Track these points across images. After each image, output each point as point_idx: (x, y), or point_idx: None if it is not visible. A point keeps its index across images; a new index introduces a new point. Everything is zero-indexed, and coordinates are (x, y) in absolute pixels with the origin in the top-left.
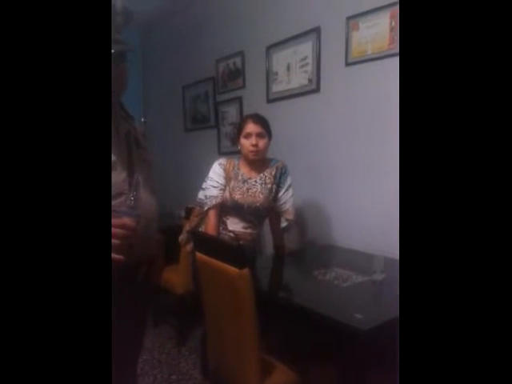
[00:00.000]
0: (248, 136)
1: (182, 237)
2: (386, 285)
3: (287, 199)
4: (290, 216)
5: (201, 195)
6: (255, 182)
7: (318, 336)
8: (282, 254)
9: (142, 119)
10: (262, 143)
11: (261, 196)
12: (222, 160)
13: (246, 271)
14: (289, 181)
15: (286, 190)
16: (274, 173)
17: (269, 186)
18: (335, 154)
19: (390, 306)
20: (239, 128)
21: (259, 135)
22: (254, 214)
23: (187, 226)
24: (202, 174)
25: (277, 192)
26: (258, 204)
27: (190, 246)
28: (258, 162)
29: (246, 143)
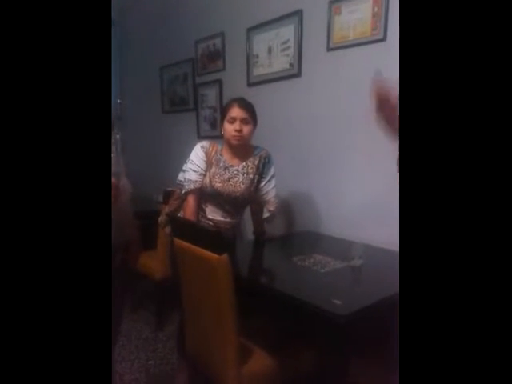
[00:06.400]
0: (232, 121)
1: (161, 218)
2: (364, 271)
3: (269, 190)
4: (272, 207)
5: (180, 177)
6: (237, 170)
7: (297, 321)
8: (261, 240)
9: (119, 100)
10: (246, 129)
11: (242, 186)
12: (205, 143)
13: (224, 257)
14: (272, 171)
15: (269, 180)
16: (257, 162)
17: (251, 176)
18: (315, 138)
19: (368, 292)
20: (223, 111)
21: (244, 121)
22: (232, 204)
23: (166, 209)
24: (181, 158)
25: (259, 182)
26: (237, 194)
27: (168, 228)
28: (242, 150)
29: (230, 128)
